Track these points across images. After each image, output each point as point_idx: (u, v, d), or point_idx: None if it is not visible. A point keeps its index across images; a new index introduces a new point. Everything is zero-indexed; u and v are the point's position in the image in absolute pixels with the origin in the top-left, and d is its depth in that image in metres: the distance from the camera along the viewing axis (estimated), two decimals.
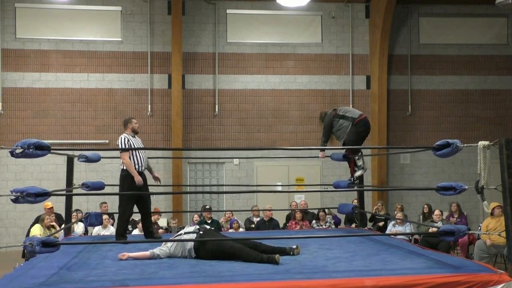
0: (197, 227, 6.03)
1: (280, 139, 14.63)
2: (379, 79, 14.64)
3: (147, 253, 5.73)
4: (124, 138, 7.15)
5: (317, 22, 15.07)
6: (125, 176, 7.09)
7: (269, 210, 11.36)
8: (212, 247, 5.57)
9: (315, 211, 11.77)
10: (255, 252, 5.43)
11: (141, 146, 7.40)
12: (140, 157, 7.18)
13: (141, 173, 7.21)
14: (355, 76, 15.02)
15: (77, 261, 5.58)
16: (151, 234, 7.30)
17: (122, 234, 7.09)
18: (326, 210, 11.61)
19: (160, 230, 10.89)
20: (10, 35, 13.97)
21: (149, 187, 7.56)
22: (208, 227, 6.29)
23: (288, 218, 12.01)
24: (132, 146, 7.10)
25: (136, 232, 10.74)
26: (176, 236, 5.93)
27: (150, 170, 7.53)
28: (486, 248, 9.26)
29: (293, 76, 14.83)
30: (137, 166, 7.12)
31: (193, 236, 5.76)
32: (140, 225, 9.01)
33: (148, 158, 7.55)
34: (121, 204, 7.24)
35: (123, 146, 7.09)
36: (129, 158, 7.07)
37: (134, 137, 7.28)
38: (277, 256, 5.28)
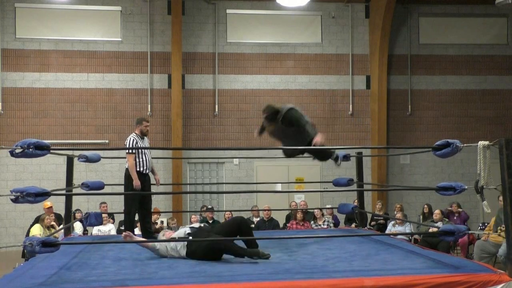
0: (192, 226, 6.05)
1: None
2: (379, 79, 14.64)
3: (149, 244, 5.81)
4: (133, 140, 7.22)
5: (317, 22, 15.07)
6: (130, 175, 7.17)
7: (267, 210, 11.37)
8: (203, 243, 5.57)
9: (314, 211, 11.77)
10: (240, 247, 5.55)
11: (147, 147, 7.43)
12: (145, 159, 7.23)
13: (145, 175, 7.25)
14: (355, 76, 15.02)
15: (76, 261, 5.57)
16: (149, 234, 7.31)
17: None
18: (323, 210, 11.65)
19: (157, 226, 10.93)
20: (10, 35, 13.97)
21: (151, 187, 7.62)
22: (202, 224, 6.28)
23: (288, 218, 12.02)
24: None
25: (136, 231, 10.73)
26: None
27: (153, 171, 7.57)
28: (485, 245, 9.27)
29: (293, 76, 14.83)
30: (141, 168, 7.18)
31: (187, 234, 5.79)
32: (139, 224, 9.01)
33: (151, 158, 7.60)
34: (126, 204, 7.32)
35: (133, 146, 7.17)
36: (134, 159, 7.13)
37: (143, 138, 7.33)
38: (261, 251, 5.42)
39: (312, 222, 11.45)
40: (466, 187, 5.22)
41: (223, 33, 14.69)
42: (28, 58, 14.02)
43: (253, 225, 11.37)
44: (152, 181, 7.59)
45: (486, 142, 4.92)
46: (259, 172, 14.59)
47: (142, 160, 7.21)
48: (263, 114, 6.51)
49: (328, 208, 11.89)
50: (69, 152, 7.73)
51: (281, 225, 11.83)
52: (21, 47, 14.02)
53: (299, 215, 11.10)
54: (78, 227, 10.78)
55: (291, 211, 11.86)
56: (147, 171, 7.30)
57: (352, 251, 5.94)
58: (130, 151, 7.15)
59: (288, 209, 12.28)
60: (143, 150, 7.19)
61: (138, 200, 7.23)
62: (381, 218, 11.76)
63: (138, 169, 7.18)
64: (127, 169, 7.22)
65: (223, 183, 13.91)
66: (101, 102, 14.22)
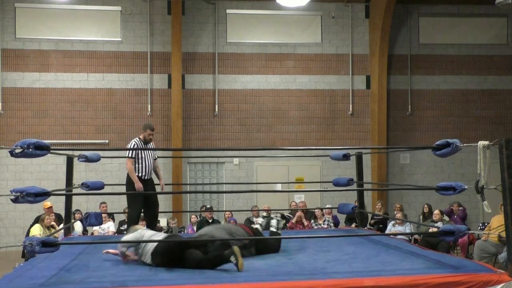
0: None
1: (280, 139, 14.63)
2: (379, 79, 14.64)
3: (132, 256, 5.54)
4: (134, 145, 7.25)
5: (317, 22, 15.07)
6: (130, 181, 7.23)
7: (267, 210, 11.36)
8: (166, 251, 5.20)
9: (315, 211, 11.79)
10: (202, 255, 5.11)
11: (149, 154, 7.35)
12: (145, 165, 7.23)
13: (146, 180, 7.25)
14: (355, 76, 15.02)
15: (77, 262, 5.57)
16: None
17: None
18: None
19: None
20: (10, 35, 13.97)
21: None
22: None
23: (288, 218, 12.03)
24: (139, 153, 7.18)
25: None
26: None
27: (158, 176, 7.60)
28: (485, 245, 9.27)
29: (293, 76, 14.82)
30: (140, 174, 7.20)
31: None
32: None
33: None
34: (129, 206, 7.36)
35: (130, 152, 7.21)
36: (134, 164, 7.18)
37: (146, 144, 7.33)
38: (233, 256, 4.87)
39: (312, 221, 11.47)
40: (466, 187, 5.22)
41: (223, 33, 14.68)
42: (28, 58, 14.02)
43: (253, 225, 11.36)
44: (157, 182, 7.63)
45: (486, 142, 4.92)
46: (259, 172, 14.59)
47: (141, 166, 7.22)
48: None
49: (328, 208, 11.89)
50: (69, 152, 7.74)
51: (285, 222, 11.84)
52: (21, 47, 14.01)
53: (300, 215, 11.14)
54: (78, 227, 10.78)
55: (291, 211, 11.87)
56: (147, 177, 7.29)
57: (352, 252, 5.93)
58: (130, 155, 7.17)
59: (288, 209, 12.28)
60: (143, 156, 7.19)
61: (140, 203, 7.22)
62: (380, 217, 11.76)
63: (137, 174, 7.20)
64: (128, 174, 7.25)
65: (223, 183, 13.90)
66: (101, 102, 14.22)
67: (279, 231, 6.56)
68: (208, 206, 13.17)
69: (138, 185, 7.09)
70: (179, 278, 4.69)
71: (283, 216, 6.90)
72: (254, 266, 5.26)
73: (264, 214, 6.88)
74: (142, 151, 7.21)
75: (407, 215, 13.02)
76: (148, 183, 7.30)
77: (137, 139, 7.34)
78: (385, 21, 14.32)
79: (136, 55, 14.36)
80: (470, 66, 15.39)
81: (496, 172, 4.79)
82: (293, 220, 11.19)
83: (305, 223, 11.16)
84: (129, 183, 7.22)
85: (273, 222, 6.57)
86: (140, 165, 7.21)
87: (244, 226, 6.19)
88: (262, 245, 5.93)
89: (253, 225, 6.66)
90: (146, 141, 7.35)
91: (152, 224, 7.41)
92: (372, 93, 14.89)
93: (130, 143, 7.31)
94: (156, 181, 7.60)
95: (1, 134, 13.78)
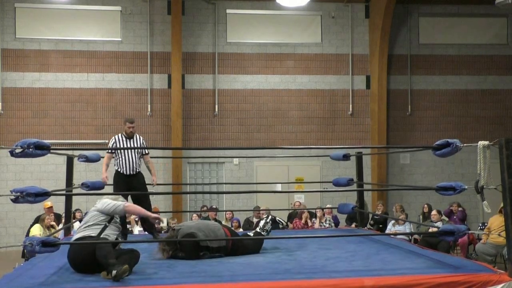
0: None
1: (280, 139, 14.63)
2: (379, 79, 14.64)
3: None
4: (112, 139, 7.42)
5: (317, 22, 15.07)
6: (115, 176, 7.38)
7: (268, 210, 11.38)
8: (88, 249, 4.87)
9: (314, 211, 11.79)
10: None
11: (132, 149, 7.36)
12: (125, 160, 7.25)
13: (128, 176, 7.30)
14: (355, 76, 15.02)
15: None
16: (153, 235, 7.31)
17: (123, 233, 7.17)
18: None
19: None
20: (10, 35, 13.97)
21: (147, 187, 7.64)
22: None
23: (289, 218, 12.03)
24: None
25: (136, 230, 10.81)
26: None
27: (150, 172, 7.67)
28: (485, 247, 9.27)
29: (293, 76, 14.83)
30: (120, 169, 7.29)
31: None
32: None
33: (150, 158, 7.68)
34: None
35: (110, 146, 7.42)
36: (114, 158, 7.33)
37: (129, 138, 7.35)
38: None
39: (313, 219, 11.49)
40: (466, 187, 5.21)
41: (223, 33, 14.68)
42: (28, 58, 14.02)
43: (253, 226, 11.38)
44: (148, 180, 7.66)
45: (486, 142, 4.92)
46: (259, 172, 14.58)
47: (120, 161, 7.27)
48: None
49: (328, 208, 11.90)
50: (69, 152, 7.75)
51: (281, 226, 11.83)
52: (21, 47, 14.01)
53: (305, 215, 11.18)
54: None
55: (294, 210, 11.89)
56: (129, 172, 7.31)
57: (352, 251, 5.94)
58: (108, 150, 7.35)
59: (287, 209, 12.29)
60: (123, 151, 7.22)
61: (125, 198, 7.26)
62: (379, 217, 11.77)
63: (117, 169, 7.32)
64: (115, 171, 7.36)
65: (223, 183, 13.90)
66: (101, 102, 14.22)
67: (263, 233, 6.49)
68: (214, 206, 13.16)
69: (102, 175, 7.31)
70: (179, 276, 4.70)
71: (274, 220, 6.89)
72: (254, 263, 5.27)
73: (265, 216, 6.90)
74: (121, 145, 7.28)
75: (407, 215, 13.02)
76: (132, 178, 7.31)
77: (119, 134, 7.44)
78: (385, 21, 14.32)
79: (136, 55, 14.36)
80: (470, 66, 15.39)
81: (496, 172, 4.78)
82: (303, 221, 11.22)
83: (309, 223, 11.20)
84: (113, 178, 7.37)
85: (261, 222, 6.60)
86: (119, 160, 7.28)
87: (225, 228, 6.16)
88: (237, 247, 5.90)
89: (253, 231, 6.68)
90: (128, 136, 7.37)
91: (145, 219, 7.42)
92: (372, 93, 14.89)
93: (111, 139, 7.44)
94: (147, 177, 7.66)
95: (1, 134, 13.78)
